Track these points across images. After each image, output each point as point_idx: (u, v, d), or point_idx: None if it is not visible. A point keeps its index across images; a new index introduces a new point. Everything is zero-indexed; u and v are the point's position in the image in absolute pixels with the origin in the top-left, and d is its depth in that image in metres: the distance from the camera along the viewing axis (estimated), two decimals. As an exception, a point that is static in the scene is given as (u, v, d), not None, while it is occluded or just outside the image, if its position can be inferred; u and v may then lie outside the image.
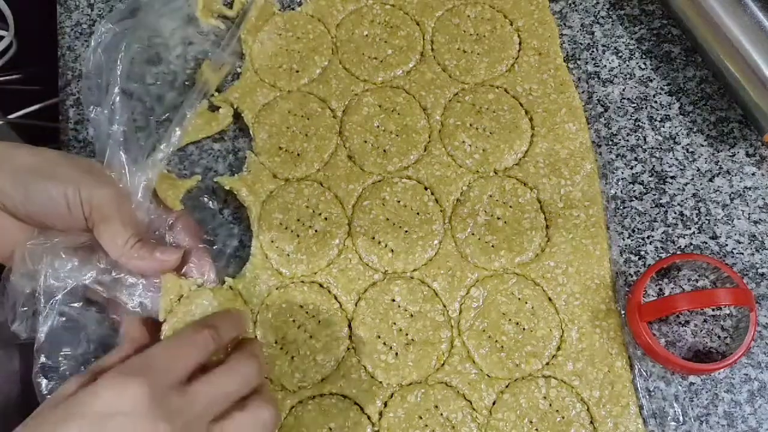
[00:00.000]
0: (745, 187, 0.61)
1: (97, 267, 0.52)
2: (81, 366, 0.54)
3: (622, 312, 0.58)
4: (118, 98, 0.56)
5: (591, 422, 0.54)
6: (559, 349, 0.56)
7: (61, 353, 0.53)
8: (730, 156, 0.62)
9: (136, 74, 0.64)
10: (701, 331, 0.57)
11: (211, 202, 0.62)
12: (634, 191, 0.61)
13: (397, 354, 0.56)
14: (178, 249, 0.53)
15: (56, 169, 0.49)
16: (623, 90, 0.64)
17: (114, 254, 0.50)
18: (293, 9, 0.68)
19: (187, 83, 0.65)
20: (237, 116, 0.64)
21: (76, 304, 0.53)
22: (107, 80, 0.56)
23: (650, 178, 0.62)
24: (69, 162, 0.51)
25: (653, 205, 0.61)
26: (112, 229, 0.49)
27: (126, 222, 0.50)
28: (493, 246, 0.59)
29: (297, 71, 0.65)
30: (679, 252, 0.59)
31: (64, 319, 0.53)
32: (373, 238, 0.59)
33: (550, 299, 0.58)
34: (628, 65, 0.65)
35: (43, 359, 0.52)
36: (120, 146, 0.54)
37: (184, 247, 0.54)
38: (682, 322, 0.58)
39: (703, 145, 0.63)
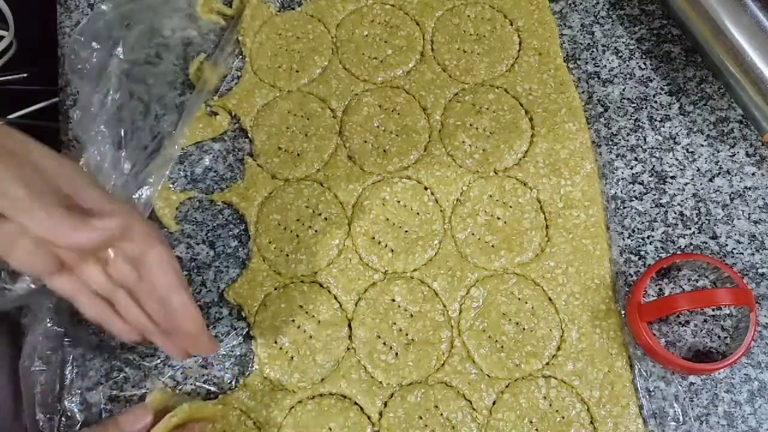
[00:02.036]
0: (745, 187, 0.61)
1: None
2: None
3: (622, 312, 0.58)
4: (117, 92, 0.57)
5: (591, 422, 0.54)
6: (559, 349, 0.56)
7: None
8: (730, 156, 0.62)
9: (137, 74, 0.65)
10: (701, 331, 0.57)
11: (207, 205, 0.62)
12: (634, 191, 0.61)
13: (397, 354, 0.56)
14: (116, 218, 0.45)
15: None
16: (623, 90, 0.64)
17: (37, 229, 0.43)
18: (293, 9, 0.68)
19: (187, 83, 0.65)
20: (237, 117, 0.64)
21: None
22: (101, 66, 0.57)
23: (650, 178, 0.62)
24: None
25: (653, 205, 0.61)
26: (24, 201, 0.42)
27: (41, 188, 0.43)
28: (493, 246, 0.59)
29: (297, 71, 0.65)
30: (679, 252, 0.59)
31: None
32: (373, 238, 0.59)
33: (550, 299, 0.58)
34: (628, 65, 0.65)
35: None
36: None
37: (124, 222, 0.46)
38: (682, 322, 0.58)
39: (703, 145, 0.63)
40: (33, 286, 0.54)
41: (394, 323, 0.57)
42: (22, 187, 0.42)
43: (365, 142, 0.62)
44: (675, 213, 0.60)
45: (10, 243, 0.46)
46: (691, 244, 0.60)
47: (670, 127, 0.63)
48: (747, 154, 0.62)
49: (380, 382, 0.56)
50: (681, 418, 0.55)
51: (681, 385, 0.56)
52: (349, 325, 0.57)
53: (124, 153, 0.60)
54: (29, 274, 0.52)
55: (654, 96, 0.64)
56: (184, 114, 0.62)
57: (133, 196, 0.59)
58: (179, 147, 0.62)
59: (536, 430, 0.54)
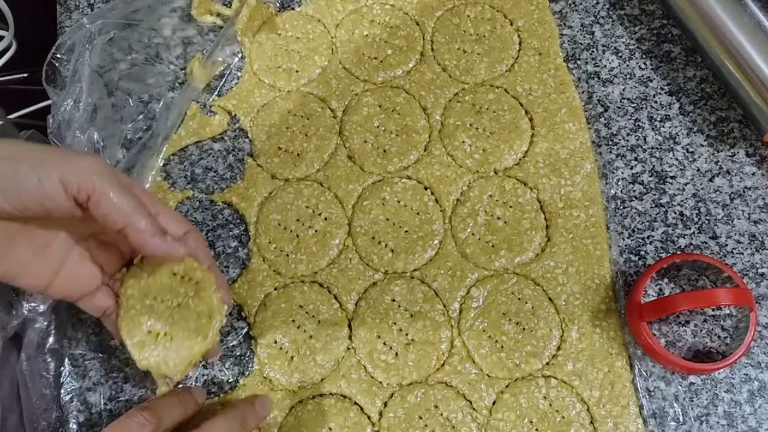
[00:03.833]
0: (745, 187, 0.61)
1: None
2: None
3: (622, 312, 0.58)
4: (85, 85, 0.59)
5: (591, 422, 0.54)
6: (559, 349, 0.56)
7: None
8: (730, 156, 0.62)
9: (136, 74, 0.65)
10: (701, 331, 0.57)
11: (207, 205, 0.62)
12: (634, 191, 0.61)
13: (397, 354, 0.56)
14: (183, 244, 0.48)
15: (27, 152, 0.44)
16: (623, 90, 0.64)
17: (121, 221, 0.44)
18: (293, 9, 0.68)
19: (186, 83, 0.65)
20: (237, 117, 0.64)
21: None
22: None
23: (650, 178, 0.62)
24: (36, 145, 0.46)
25: (653, 205, 0.61)
26: (113, 195, 0.44)
27: (128, 187, 0.45)
28: (493, 246, 0.59)
29: (297, 71, 0.65)
30: (679, 252, 0.59)
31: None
32: (373, 238, 0.59)
33: (550, 299, 0.58)
34: (628, 65, 0.65)
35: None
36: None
37: (186, 250, 0.49)
38: (682, 322, 0.58)
39: (703, 145, 0.63)
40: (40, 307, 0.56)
41: (394, 323, 0.57)
42: (128, 200, 0.45)
43: (365, 142, 0.62)
44: (675, 213, 0.60)
45: (54, 269, 0.49)
46: (691, 244, 0.60)
47: (670, 127, 0.63)
48: (747, 154, 0.62)
49: (380, 382, 0.56)
50: (681, 418, 0.55)
51: (681, 385, 0.56)
52: (349, 325, 0.57)
53: (103, 154, 0.60)
54: (66, 297, 0.51)
55: (654, 96, 0.64)
56: (171, 112, 0.62)
57: None
58: (166, 145, 0.62)
59: (536, 430, 0.54)
